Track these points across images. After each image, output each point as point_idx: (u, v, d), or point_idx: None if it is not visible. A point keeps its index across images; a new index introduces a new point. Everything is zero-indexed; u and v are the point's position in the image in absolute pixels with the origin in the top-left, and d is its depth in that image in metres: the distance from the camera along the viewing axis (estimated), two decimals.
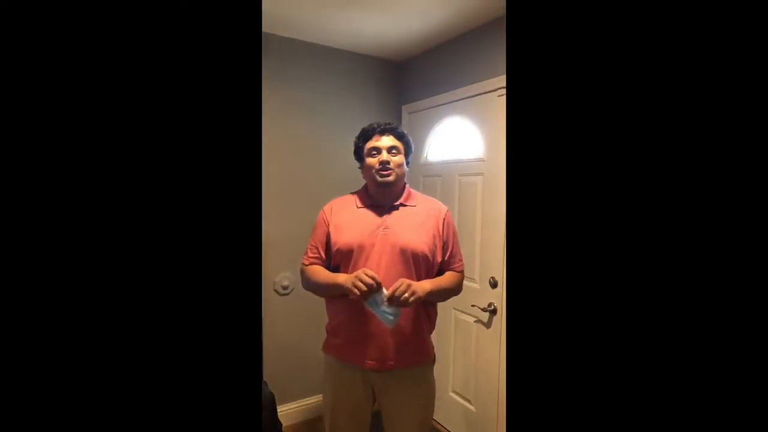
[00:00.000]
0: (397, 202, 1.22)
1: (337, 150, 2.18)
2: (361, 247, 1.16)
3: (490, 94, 1.78)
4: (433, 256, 1.19)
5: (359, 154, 1.27)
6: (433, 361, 1.30)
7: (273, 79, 1.96)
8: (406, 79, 2.34)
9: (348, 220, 1.21)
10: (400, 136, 1.24)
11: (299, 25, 1.89)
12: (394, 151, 1.21)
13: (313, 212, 2.09)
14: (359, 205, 1.24)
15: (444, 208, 1.27)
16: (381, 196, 1.22)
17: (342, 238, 1.18)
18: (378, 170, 1.18)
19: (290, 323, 2.07)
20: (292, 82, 2.04)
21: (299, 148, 2.09)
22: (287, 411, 2.10)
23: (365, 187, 1.29)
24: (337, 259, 1.20)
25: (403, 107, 2.34)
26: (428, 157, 2.20)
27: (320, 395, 2.14)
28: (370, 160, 1.21)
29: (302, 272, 1.26)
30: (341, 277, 1.13)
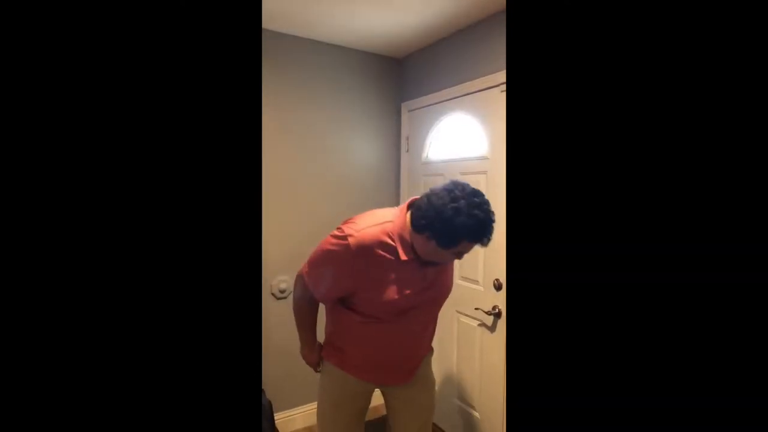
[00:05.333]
0: None
1: (335, 149, 2.12)
2: (402, 311, 1.02)
3: (492, 89, 1.72)
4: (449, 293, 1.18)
5: (443, 241, 0.92)
6: (432, 352, 1.30)
7: (268, 75, 1.90)
8: (405, 75, 2.28)
9: (390, 274, 0.97)
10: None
11: (295, 21, 1.83)
12: None
13: (310, 212, 2.06)
14: (404, 256, 0.97)
15: None
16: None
17: (384, 296, 0.98)
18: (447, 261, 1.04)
19: (288, 328, 2.00)
20: (288, 79, 1.98)
21: (295, 147, 2.03)
22: (285, 418, 2.04)
23: (410, 239, 0.98)
24: (367, 308, 1.03)
25: (403, 104, 2.28)
26: (429, 156, 2.14)
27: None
28: (449, 258, 0.99)
29: (299, 299, 1.14)
30: (307, 347, 1.20)
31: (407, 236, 0.97)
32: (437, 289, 1.06)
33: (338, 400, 1.18)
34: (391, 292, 0.98)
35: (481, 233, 0.90)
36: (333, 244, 0.98)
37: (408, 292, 0.99)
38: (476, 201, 0.90)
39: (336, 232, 1.00)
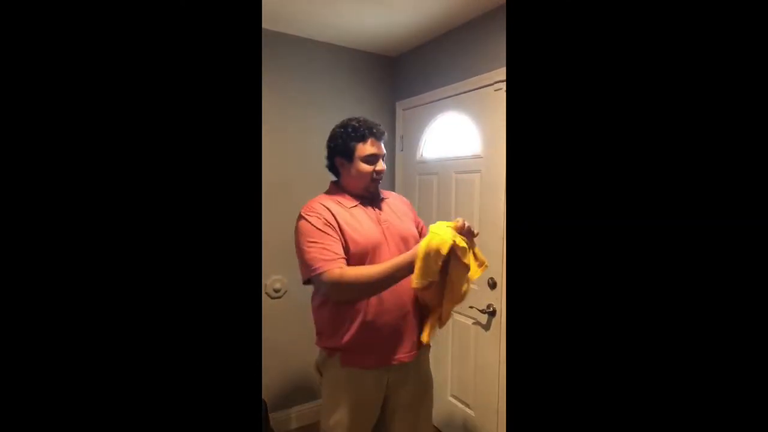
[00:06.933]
0: (381, 198, 1.28)
1: None
2: (376, 244, 1.15)
3: (486, 88, 1.72)
4: (417, 240, 1.25)
5: (347, 153, 1.18)
6: (429, 348, 1.30)
7: (263, 75, 1.90)
8: (400, 74, 2.28)
9: (352, 219, 1.17)
10: (385, 141, 1.25)
11: (289, 19, 1.82)
12: (384, 158, 1.23)
13: None
14: (351, 204, 1.20)
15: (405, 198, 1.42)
16: (366, 197, 1.24)
17: (359, 236, 1.13)
18: (374, 178, 1.20)
19: (282, 327, 2.01)
20: (282, 78, 1.98)
21: (289, 147, 2.02)
22: (280, 418, 2.03)
23: (342, 186, 1.25)
24: (351, 261, 1.13)
25: (398, 103, 2.28)
26: (424, 155, 2.14)
27: (313, 402, 2.09)
28: (365, 167, 1.18)
29: (336, 280, 1.04)
30: (407, 254, 1.02)
31: (339, 193, 1.22)
32: (394, 227, 1.21)
33: (354, 403, 1.14)
34: (364, 230, 1.15)
35: (364, 128, 1.17)
36: (300, 225, 1.14)
37: (375, 228, 1.17)
38: (349, 118, 1.22)
39: (296, 222, 1.17)
